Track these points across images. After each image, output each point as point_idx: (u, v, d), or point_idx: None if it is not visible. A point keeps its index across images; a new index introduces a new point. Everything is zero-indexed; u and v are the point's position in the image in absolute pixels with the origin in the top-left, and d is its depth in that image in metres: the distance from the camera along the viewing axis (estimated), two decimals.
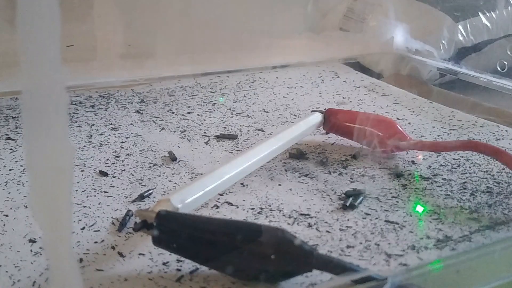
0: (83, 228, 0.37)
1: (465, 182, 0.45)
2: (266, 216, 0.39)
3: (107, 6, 0.72)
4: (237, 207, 0.40)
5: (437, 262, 0.35)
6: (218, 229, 0.32)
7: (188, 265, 0.34)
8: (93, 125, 0.55)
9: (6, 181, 0.43)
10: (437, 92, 0.70)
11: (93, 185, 0.43)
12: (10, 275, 0.32)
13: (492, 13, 0.77)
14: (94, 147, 0.50)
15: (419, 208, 0.41)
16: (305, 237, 0.36)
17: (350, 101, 0.64)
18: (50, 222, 0.25)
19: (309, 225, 0.38)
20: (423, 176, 0.46)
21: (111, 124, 0.55)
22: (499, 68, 0.71)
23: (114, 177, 0.45)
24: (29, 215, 0.39)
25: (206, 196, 0.39)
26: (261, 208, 0.40)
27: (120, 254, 0.35)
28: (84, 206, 0.40)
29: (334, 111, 0.52)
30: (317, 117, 0.51)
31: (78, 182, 0.43)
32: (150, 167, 0.46)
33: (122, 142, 0.51)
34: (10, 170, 0.45)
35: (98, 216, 0.39)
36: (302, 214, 0.40)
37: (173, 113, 0.59)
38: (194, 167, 0.46)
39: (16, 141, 0.51)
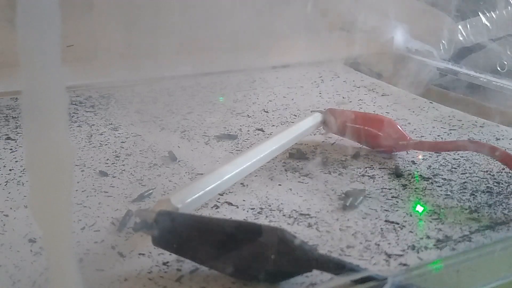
0: (83, 228, 0.37)
1: (465, 182, 0.45)
2: (266, 216, 0.39)
3: (107, 6, 0.72)
4: (237, 207, 0.40)
5: (437, 262, 0.35)
6: (218, 229, 0.32)
7: (188, 265, 0.33)
8: (93, 125, 0.55)
9: (6, 181, 0.43)
10: (437, 92, 0.70)
11: (93, 185, 0.43)
12: (10, 275, 0.32)
13: (492, 13, 0.77)
14: (94, 147, 0.50)
15: (419, 208, 0.41)
16: (305, 237, 0.36)
17: (350, 101, 0.64)
18: (50, 222, 0.25)
19: (309, 225, 0.38)
20: (423, 176, 0.46)
21: (111, 124, 0.55)
22: (499, 68, 0.71)
23: (114, 177, 0.45)
24: (29, 215, 0.38)
25: (206, 196, 0.39)
26: (261, 208, 0.40)
27: (120, 254, 0.35)
28: (84, 206, 0.40)
29: (334, 111, 0.52)
30: (317, 117, 0.51)
31: (78, 182, 0.43)
32: (150, 167, 0.46)
33: (122, 142, 0.51)
34: (10, 170, 0.45)
35: (98, 216, 0.39)
36: (302, 214, 0.40)
37: (173, 113, 0.59)
38: (194, 167, 0.46)
39: (16, 141, 0.51)
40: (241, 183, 0.43)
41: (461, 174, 0.46)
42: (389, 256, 0.35)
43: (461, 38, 0.75)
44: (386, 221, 0.39)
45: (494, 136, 0.55)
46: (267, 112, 0.60)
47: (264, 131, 0.55)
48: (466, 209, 0.41)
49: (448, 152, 0.49)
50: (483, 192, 0.43)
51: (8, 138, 0.51)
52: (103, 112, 0.59)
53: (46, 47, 0.24)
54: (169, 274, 0.33)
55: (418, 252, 0.35)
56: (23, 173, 0.45)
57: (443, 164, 0.48)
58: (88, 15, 0.70)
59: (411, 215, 0.40)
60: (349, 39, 0.83)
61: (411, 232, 0.38)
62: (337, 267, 0.31)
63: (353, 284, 0.30)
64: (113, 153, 0.49)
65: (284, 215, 0.39)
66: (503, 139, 0.54)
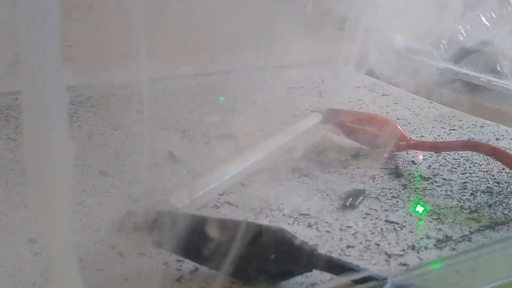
0: (83, 228, 0.37)
1: (465, 182, 0.45)
2: (266, 216, 0.39)
3: (107, 6, 0.72)
4: (237, 207, 0.40)
5: (437, 262, 0.35)
6: (218, 229, 0.32)
7: (188, 265, 0.33)
8: (93, 125, 0.55)
9: (6, 181, 0.43)
10: (437, 92, 0.70)
11: (93, 185, 0.43)
12: (10, 275, 0.32)
13: (492, 13, 0.77)
14: (94, 147, 0.50)
15: (419, 208, 0.41)
16: (305, 237, 0.36)
17: (350, 101, 0.64)
18: (50, 222, 0.25)
19: (309, 225, 0.38)
20: (423, 176, 0.46)
21: (111, 124, 0.55)
22: (499, 68, 0.71)
23: (114, 177, 0.45)
24: (29, 215, 0.38)
25: (206, 196, 0.39)
26: (261, 208, 0.40)
27: (120, 254, 0.35)
28: (84, 206, 0.40)
29: (334, 111, 0.52)
30: (317, 117, 0.51)
31: (78, 182, 0.43)
32: (150, 167, 0.46)
33: (122, 142, 0.51)
34: (10, 170, 0.45)
35: (98, 216, 0.39)
36: (302, 214, 0.40)
37: (173, 113, 0.59)
38: (194, 167, 0.46)
39: (16, 141, 0.51)
40: (241, 183, 0.43)
41: (461, 174, 0.46)
42: (389, 256, 0.35)
43: (461, 38, 0.75)
44: (386, 221, 0.39)
45: (494, 136, 0.55)
46: (267, 112, 0.60)
47: (264, 131, 0.55)
48: (466, 209, 0.41)
49: (448, 152, 0.49)
50: (483, 192, 0.43)
51: (8, 138, 0.51)
52: (103, 112, 0.59)
53: (46, 47, 0.24)
54: (169, 274, 0.33)
55: (418, 252, 0.35)
56: (23, 173, 0.45)
57: (443, 164, 0.48)
58: (88, 15, 0.70)
59: (411, 215, 0.40)
60: (349, 39, 0.83)
61: (411, 232, 0.38)
62: (337, 267, 0.31)
63: (353, 284, 0.30)
64: (113, 153, 0.49)
65: (284, 215, 0.39)
66: (503, 139, 0.54)
